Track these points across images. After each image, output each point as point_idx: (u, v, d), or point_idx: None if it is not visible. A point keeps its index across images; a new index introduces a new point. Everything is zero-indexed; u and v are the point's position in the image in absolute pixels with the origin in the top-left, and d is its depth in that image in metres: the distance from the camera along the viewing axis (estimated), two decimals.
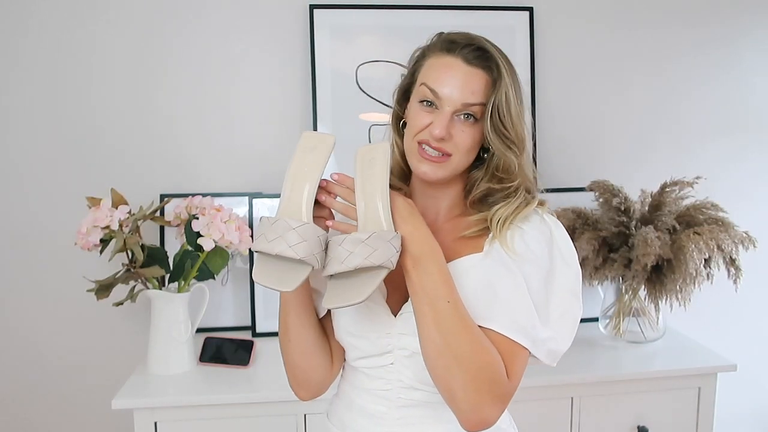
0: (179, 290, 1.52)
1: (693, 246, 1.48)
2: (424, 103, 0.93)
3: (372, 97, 1.77)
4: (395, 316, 0.94)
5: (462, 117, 0.92)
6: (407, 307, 0.93)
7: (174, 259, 1.53)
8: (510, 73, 0.94)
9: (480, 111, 0.92)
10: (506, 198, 0.96)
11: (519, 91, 0.96)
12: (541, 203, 0.98)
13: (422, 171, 0.93)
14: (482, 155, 0.97)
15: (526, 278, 0.90)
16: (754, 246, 1.52)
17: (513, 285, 0.89)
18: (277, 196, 1.75)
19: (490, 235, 0.94)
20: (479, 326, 0.85)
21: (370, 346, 0.95)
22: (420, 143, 0.93)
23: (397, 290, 0.96)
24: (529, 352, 0.88)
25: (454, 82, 0.91)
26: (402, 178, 1.04)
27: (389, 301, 0.96)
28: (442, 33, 0.98)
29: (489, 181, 0.97)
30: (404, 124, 1.00)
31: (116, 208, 1.47)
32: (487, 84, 0.92)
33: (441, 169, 0.93)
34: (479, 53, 0.93)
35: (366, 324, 0.95)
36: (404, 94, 1.01)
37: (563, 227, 0.99)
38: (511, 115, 0.92)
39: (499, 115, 0.91)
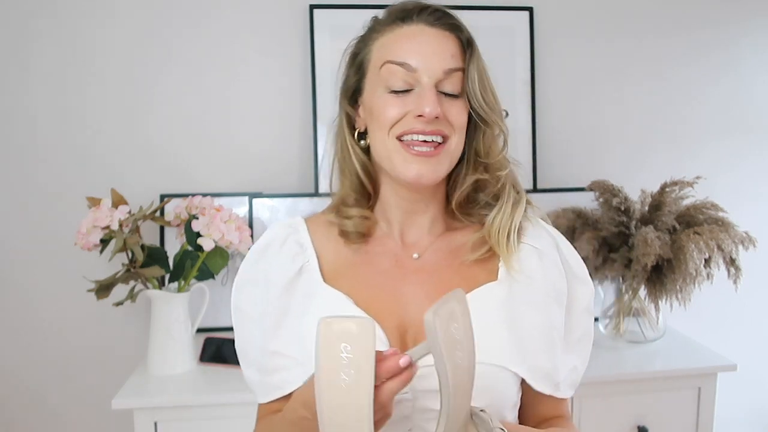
0: (179, 290, 1.52)
1: (693, 246, 1.48)
2: (394, 88, 0.77)
3: None
4: None
5: (445, 91, 0.77)
6: (424, 360, 0.73)
7: (174, 259, 1.53)
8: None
9: (462, 80, 0.78)
10: (496, 197, 0.83)
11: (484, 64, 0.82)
12: (529, 202, 0.86)
13: (414, 174, 0.76)
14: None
15: (547, 307, 0.81)
16: (754, 246, 1.52)
17: (534, 321, 0.79)
18: (277, 196, 1.76)
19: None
20: (495, 364, 0.76)
21: None
22: (401, 138, 0.77)
23: (399, 340, 0.80)
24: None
25: (428, 49, 0.76)
26: (363, 198, 0.85)
27: None
28: (376, 16, 0.84)
29: (474, 172, 0.82)
30: (359, 134, 0.84)
31: (116, 208, 1.47)
32: (460, 47, 0.79)
33: (439, 164, 0.78)
34: (440, 14, 0.80)
35: None
36: (353, 95, 0.84)
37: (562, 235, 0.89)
38: (490, 83, 0.80)
39: (482, 82, 0.78)
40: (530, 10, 1.82)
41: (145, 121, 1.74)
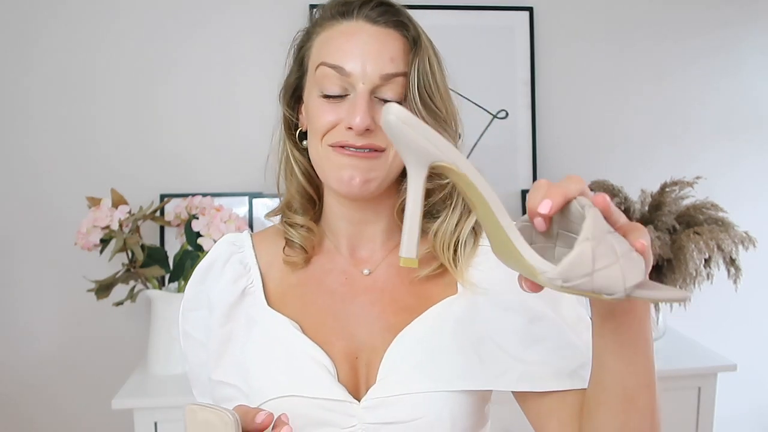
0: (179, 290, 1.52)
1: (693, 246, 1.48)
2: (327, 93, 0.70)
3: None
4: (359, 401, 0.70)
5: (384, 98, 0.70)
6: (378, 392, 0.69)
7: (174, 259, 1.53)
8: (425, 34, 0.73)
9: (404, 85, 0.70)
10: (444, 203, 0.74)
11: (441, 60, 0.74)
12: None
13: (347, 179, 0.69)
14: None
15: (520, 304, 0.71)
16: (754, 246, 1.52)
17: (509, 326, 0.70)
18: (277, 196, 1.75)
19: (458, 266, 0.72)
20: (448, 390, 0.69)
21: None
22: (334, 147, 0.70)
23: (348, 367, 0.72)
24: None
25: (365, 50, 0.68)
26: (308, 204, 0.79)
27: (342, 381, 0.71)
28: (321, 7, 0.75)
29: None
30: (302, 134, 0.77)
31: (116, 208, 1.47)
32: (404, 48, 0.70)
33: (373, 170, 0.70)
34: (384, 8, 0.71)
35: (318, 416, 0.69)
36: (294, 93, 0.78)
37: None
38: (438, 87, 0.71)
39: (427, 86, 0.70)
40: (530, 10, 1.82)
41: (146, 120, 1.74)
